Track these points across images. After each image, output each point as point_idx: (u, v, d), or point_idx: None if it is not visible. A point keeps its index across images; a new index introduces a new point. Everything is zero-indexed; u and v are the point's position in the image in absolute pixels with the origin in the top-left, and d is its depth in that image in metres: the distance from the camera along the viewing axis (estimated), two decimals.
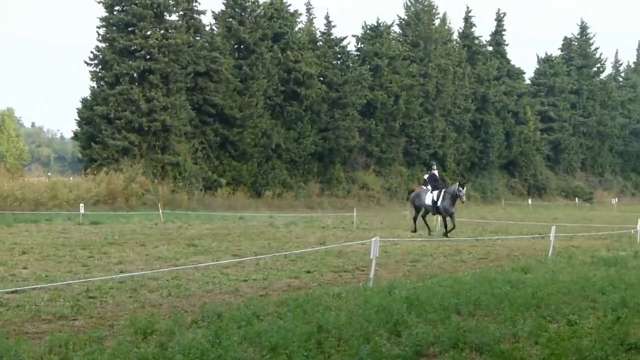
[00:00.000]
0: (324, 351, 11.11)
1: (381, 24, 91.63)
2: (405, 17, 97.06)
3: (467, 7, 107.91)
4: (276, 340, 11.10)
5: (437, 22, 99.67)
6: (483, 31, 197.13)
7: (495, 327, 12.88)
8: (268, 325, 12.43)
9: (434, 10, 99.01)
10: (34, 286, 17.00)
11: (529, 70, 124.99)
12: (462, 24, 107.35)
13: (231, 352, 10.41)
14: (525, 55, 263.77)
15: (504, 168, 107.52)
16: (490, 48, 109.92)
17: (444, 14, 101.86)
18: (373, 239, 19.11)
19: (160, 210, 48.81)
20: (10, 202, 48.47)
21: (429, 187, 38.78)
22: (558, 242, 29.93)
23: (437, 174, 39.45)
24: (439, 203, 36.91)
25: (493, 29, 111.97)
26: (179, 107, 66.32)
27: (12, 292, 16.14)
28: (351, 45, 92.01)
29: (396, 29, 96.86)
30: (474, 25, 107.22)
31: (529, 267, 22.26)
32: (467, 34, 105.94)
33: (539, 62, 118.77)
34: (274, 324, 12.45)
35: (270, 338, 11.26)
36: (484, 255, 27.72)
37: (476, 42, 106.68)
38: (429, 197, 37.78)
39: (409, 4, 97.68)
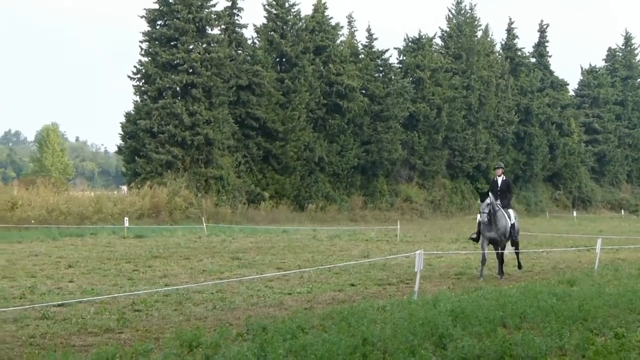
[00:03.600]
0: None
1: (423, 36, 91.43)
2: (447, 29, 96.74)
3: (510, 19, 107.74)
4: (322, 353, 11.10)
5: (479, 34, 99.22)
6: (526, 43, 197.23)
7: (541, 340, 12.79)
8: (313, 338, 12.43)
9: (476, 22, 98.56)
10: (80, 299, 17.13)
11: (573, 81, 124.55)
12: (504, 36, 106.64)
13: None
14: (568, 66, 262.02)
15: (548, 180, 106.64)
16: (533, 60, 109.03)
17: (487, 26, 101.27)
18: (417, 251, 19.06)
19: (204, 224, 48.96)
20: (56, 216, 48.77)
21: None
22: (604, 254, 29.71)
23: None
24: None
25: (536, 40, 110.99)
26: (222, 121, 66.51)
27: (59, 305, 16.27)
28: (393, 58, 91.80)
29: (438, 41, 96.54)
30: (517, 36, 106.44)
31: (575, 279, 22.11)
32: (509, 46, 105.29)
33: (582, 73, 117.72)
34: (319, 337, 12.45)
35: (315, 351, 11.26)
36: (529, 268, 27.64)
37: (519, 53, 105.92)
38: None
39: (451, 16, 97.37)
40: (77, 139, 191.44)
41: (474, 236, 26.24)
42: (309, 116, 75.15)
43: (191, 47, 66.21)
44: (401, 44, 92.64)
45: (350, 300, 18.36)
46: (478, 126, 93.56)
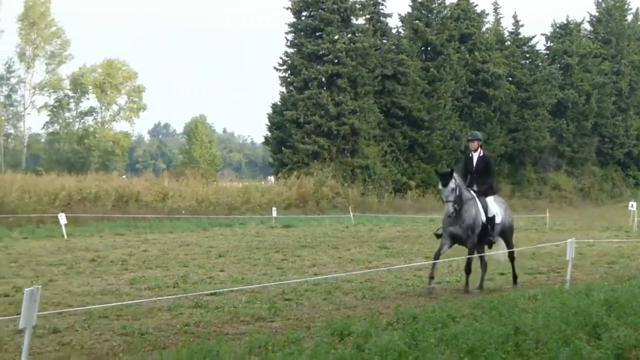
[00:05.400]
0: (522, 354, 10.90)
1: (571, 22, 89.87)
2: (596, 14, 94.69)
3: None
4: (473, 342, 10.97)
5: (629, 17, 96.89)
6: None
7: None
8: (464, 327, 12.29)
9: (626, 6, 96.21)
10: (231, 288, 17.36)
11: None
12: None
13: (429, 354, 10.35)
14: None
15: None
16: None
17: (637, 10, 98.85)
18: (568, 240, 18.71)
19: (351, 213, 49.15)
20: (205, 206, 49.66)
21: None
22: None
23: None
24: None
25: None
26: (367, 111, 66.65)
27: (211, 294, 16.52)
28: (540, 44, 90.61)
29: (587, 26, 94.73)
30: None
31: None
32: None
33: None
34: (470, 326, 12.30)
35: (467, 340, 11.14)
36: None
37: None
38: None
39: (600, 0, 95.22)
40: (224, 131, 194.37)
41: (440, 232, 18.85)
42: (454, 104, 74.75)
43: (336, 37, 66.49)
44: (548, 30, 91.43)
45: (500, 290, 18.18)
46: (629, 112, 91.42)
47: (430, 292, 17.47)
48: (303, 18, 67.69)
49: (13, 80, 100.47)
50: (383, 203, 63.12)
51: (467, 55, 76.53)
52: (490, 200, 18.88)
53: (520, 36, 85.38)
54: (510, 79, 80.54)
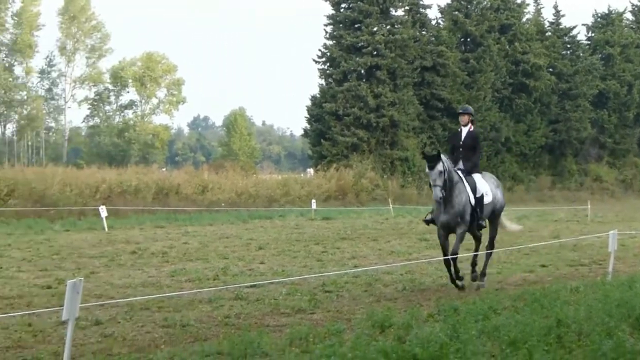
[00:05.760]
0: (565, 346, 10.84)
1: (613, 12, 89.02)
2: (639, 3, 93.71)
3: None
4: (515, 335, 10.94)
5: None
6: None
7: None
8: (505, 319, 12.25)
9: None
10: (271, 280, 17.41)
11: None
12: None
13: (470, 346, 10.32)
14: None
15: None
16: None
17: None
18: (610, 232, 18.59)
19: (391, 205, 49.10)
20: (245, 199, 49.82)
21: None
22: None
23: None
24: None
25: None
26: (407, 102, 66.54)
27: (251, 286, 16.58)
28: (581, 35, 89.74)
29: (629, 15, 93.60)
30: None
31: None
32: None
33: None
34: (512, 318, 12.26)
35: (508, 332, 11.11)
36: None
37: None
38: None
39: None
40: (263, 123, 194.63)
41: (428, 217, 17.64)
42: (494, 96, 74.43)
43: (375, 29, 66.44)
44: (589, 20, 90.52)
45: (541, 282, 18.05)
46: None
47: (462, 286, 16.90)
48: (342, 10, 67.64)
49: (54, 74, 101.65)
50: (423, 195, 62.89)
51: (507, 46, 76.12)
52: (478, 177, 17.45)
53: (561, 26, 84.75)
54: (550, 69, 79.98)
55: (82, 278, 9.89)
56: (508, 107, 76.26)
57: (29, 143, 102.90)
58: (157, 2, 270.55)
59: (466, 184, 16.95)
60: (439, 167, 16.28)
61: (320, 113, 65.81)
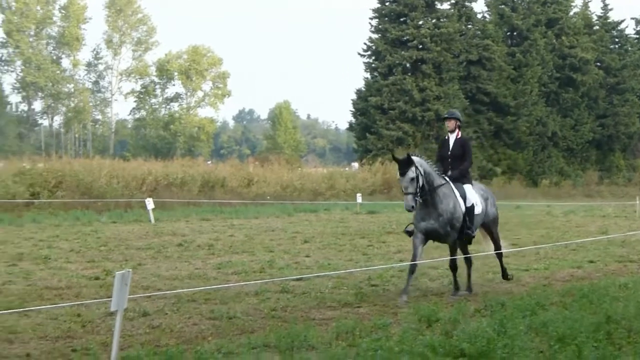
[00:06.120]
0: (614, 342, 10.76)
1: None
2: None
3: None
4: (563, 330, 10.88)
5: None
6: None
7: None
8: (554, 315, 12.21)
9: None
10: (317, 274, 17.41)
11: None
12: None
13: (518, 341, 10.28)
14: None
15: None
16: None
17: None
18: None
19: None
20: (290, 192, 49.87)
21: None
22: None
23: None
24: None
25: None
26: (452, 96, 66.40)
27: (297, 279, 16.60)
28: (629, 29, 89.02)
29: None
30: None
31: None
32: None
33: None
34: (560, 314, 12.21)
35: (557, 328, 11.05)
36: None
37: None
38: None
39: None
40: (308, 117, 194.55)
41: (410, 228, 15.89)
42: (541, 90, 74.01)
43: (421, 22, 66.37)
44: (638, 14, 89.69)
45: (589, 278, 17.93)
46: None
47: (404, 303, 14.45)
48: (387, 3, 67.62)
49: (101, 67, 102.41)
50: None
51: (554, 40, 75.66)
52: (467, 188, 15.91)
53: (609, 20, 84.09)
54: (598, 64, 79.44)
55: (130, 270, 9.97)
56: (555, 102, 75.82)
57: (76, 135, 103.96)
58: None
59: (455, 189, 15.51)
60: (411, 173, 14.77)
61: (366, 107, 65.82)
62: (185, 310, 13.56)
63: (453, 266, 15.81)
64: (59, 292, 15.42)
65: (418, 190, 14.78)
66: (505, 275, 16.81)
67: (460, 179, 15.82)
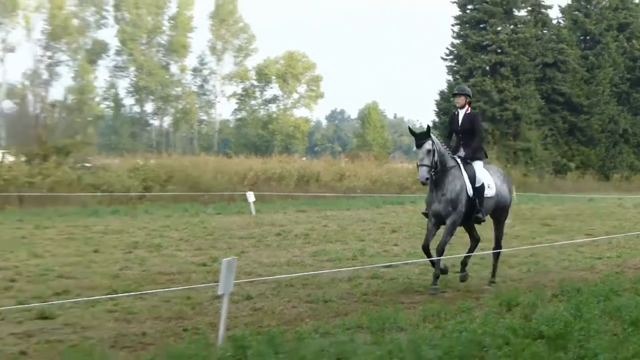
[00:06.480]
0: None
1: None
2: None
3: None
4: (636, 315, 10.72)
5: None
6: None
7: None
8: (627, 300, 12.04)
9: None
10: (405, 261, 17.42)
11: None
12: None
13: (593, 324, 10.17)
14: None
15: None
16: None
17: None
18: None
19: (514, 193, 48.33)
20: (379, 186, 49.82)
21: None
22: None
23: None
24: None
25: None
26: (529, 97, 65.72)
27: (387, 266, 16.60)
28: None
29: None
30: None
31: None
32: None
33: None
34: (633, 300, 12.04)
35: (630, 313, 10.89)
36: None
37: None
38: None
39: None
40: (395, 116, 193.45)
41: (427, 210, 15.11)
42: (612, 90, 72.64)
43: (499, 28, 65.77)
44: None
45: None
46: None
47: (435, 292, 13.99)
48: (468, 11, 67.17)
49: (205, 72, 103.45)
50: (544, 183, 61.87)
51: (625, 44, 74.16)
52: (478, 166, 14.73)
53: None
54: None
55: (235, 257, 10.09)
56: (626, 101, 74.33)
57: (184, 134, 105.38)
58: (299, 4, 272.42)
59: (464, 171, 14.42)
60: (427, 145, 13.96)
61: (448, 107, 65.28)
62: (284, 294, 13.68)
63: (440, 251, 14.53)
64: (171, 277, 15.67)
65: (433, 163, 13.94)
66: (493, 275, 15.39)
67: (471, 157, 14.74)
